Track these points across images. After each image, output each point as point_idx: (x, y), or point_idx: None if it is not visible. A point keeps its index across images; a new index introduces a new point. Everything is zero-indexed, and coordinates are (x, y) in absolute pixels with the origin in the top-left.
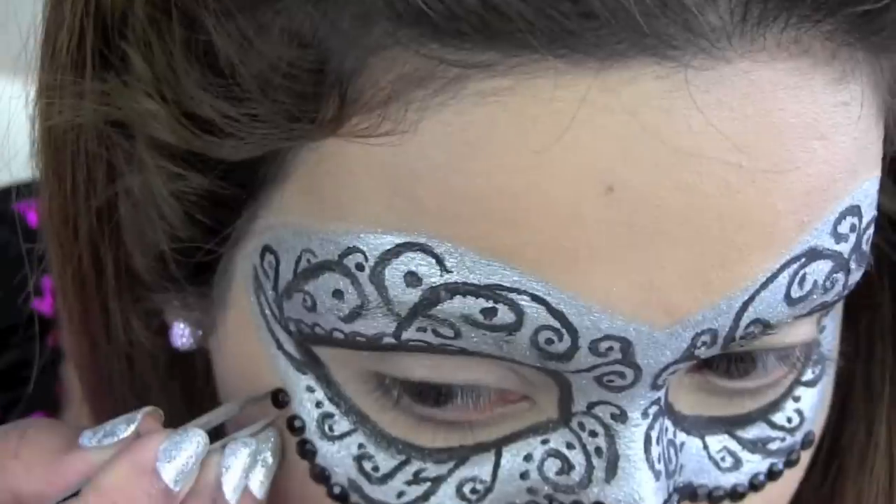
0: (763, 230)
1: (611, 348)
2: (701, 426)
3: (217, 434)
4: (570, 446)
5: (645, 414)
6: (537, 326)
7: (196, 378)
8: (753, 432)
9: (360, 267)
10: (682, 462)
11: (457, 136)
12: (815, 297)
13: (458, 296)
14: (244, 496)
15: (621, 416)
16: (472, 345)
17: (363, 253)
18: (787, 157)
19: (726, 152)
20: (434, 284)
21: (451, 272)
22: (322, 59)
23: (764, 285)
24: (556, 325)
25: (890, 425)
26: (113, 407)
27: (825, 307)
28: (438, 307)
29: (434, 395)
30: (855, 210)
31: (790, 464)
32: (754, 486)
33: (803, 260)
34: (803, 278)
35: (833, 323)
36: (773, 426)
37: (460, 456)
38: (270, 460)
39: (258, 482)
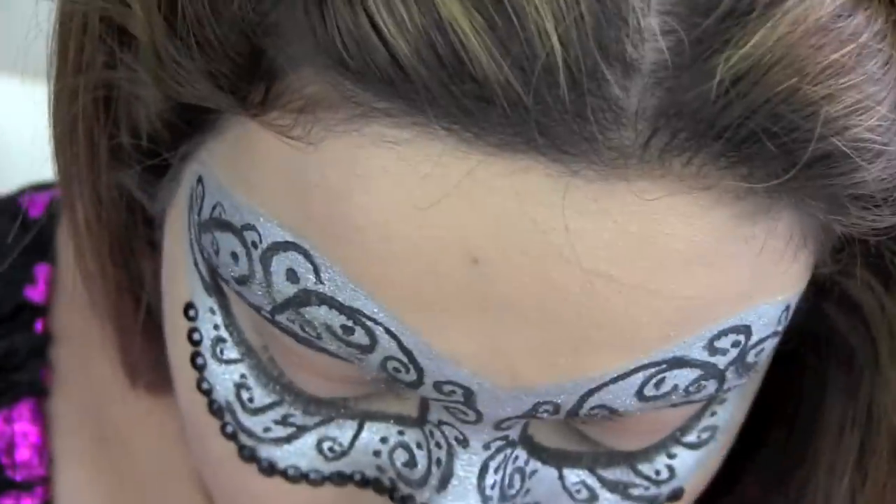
0: (621, 335)
1: (454, 391)
2: (561, 458)
3: None
4: (419, 446)
5: (487, 446)
6: (388, 355)
7: None
8: (616, 474)
9: (254, 244)
10: (530, 486)
11: (351, 167)
12: (673, 398)
13: (324, 306)
14: None
15: (464, 442)
16: (331, 350)
17: (259, 234)
18: (664, 278)
19: (598, 261)
20: (308, 288)
21: (323, 283)
22: (257, 52)
23: (614, 380)
24: (405, 359)
25: None
26: (107, 292)
27: (690, 403)
28: (307, 308)
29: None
30: (742, 329)
31: None
32: None
33: (664, 366)
34: (661, 381)
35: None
36: (638, 474)
37: (327, 415)
38: None
39: None
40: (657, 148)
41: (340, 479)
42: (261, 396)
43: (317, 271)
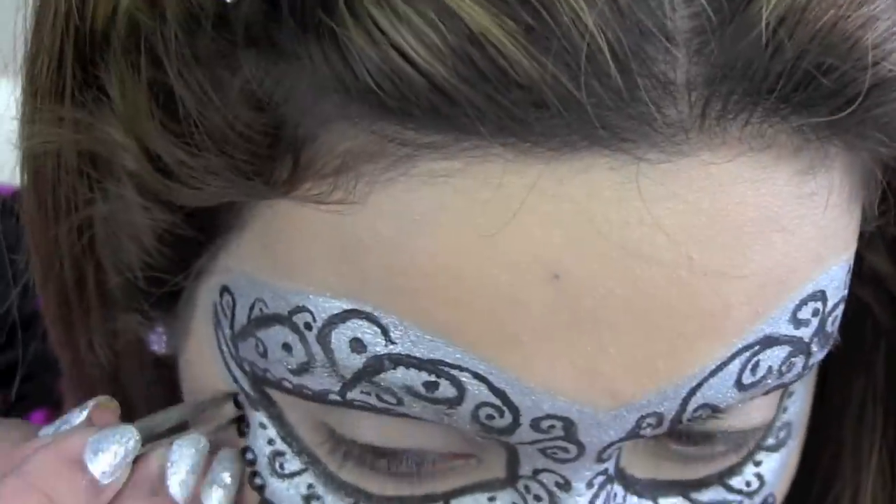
0: (713, 321)
1: (553, 426)
2: (654, 489)
3: None
4: None
5: (590, 484)
6: (479, 402)
7: (177, 387)
8: (709, 495)
9: (308, 326)
10: None
11: (404, 213)
12: (769, 381)
13: (401, 367)
14: None
15: (565, 486)
16: (414, 412)
17: (311, 313)
18: (743, 251)
19: (679, 247)
20: (378, 353)
21: (395, 343)
22: (277, 124)
23: (713, 373)
24: (498, 402)
25: (875, 493)
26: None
27: (782, 386)
28: (381, 375)
29: (381, 453)
30: (819, 295)
31: None
32: None
33: (757, 347)
34: (756, 364)
35: (803, 389)
36: (731, 490)
37: None
38: (228, 481)
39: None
40: (714, 114)
41: None
42: (334, 502)
43: (385, 332)
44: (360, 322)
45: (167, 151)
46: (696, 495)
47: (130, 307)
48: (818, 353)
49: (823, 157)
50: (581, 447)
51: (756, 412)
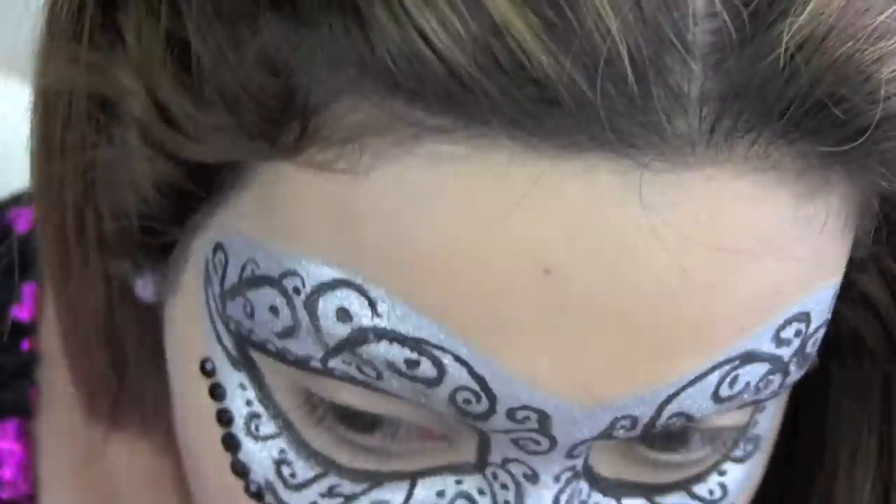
0: (698, 332)
1: (528, 417)
2: (619, 489)
3: None
4: (481, 492)
5: (557, 479)
6: (457, 386)
7: None
8: (672, 500)
9: (296, 291)
10: None
11: (406, 191)
12: (745, 396)
13: (384, 341)
14: None
15: (533, 478)
16: (394, 389)
17: (301, 278)
18: (735, 268)
19: (672, 256)
20: (363, 325)
21: (381, 317)
22: (289, 90)
23: (692, 383)
24: (476, 388)
25: None
26: (90, 368)
27: (757, 402)
28: (364, 347)
29: (356, 422)
30: (803, 317)
31: None
32: None
33: (737, 362)
34: (735, 379)
35: (775, 405)
36: (694, 496)
37: (376, 479)
38: None
39: None
40: (723, 131)
41: None
42: (303, 470)
43: (373, 305)
44: (349, 292)
45: (176, 103)
46: (659, 499)
47: (123, 253)
48: (795, 373)
49: (824, 182)
50: (553, 441)
51: (727, 421)
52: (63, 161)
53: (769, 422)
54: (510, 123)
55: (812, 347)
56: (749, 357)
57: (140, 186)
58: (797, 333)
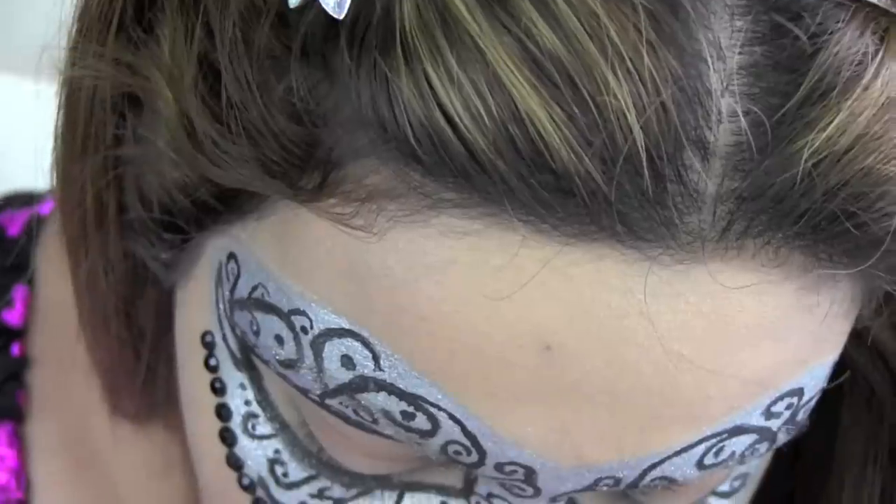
0: (689, 410)
1: (515, 471)
2: None
3: None
4: None
5: None
6: (449, 439)
7: None
8: None
9: (304, 330)
10: None
11: (418, 257)
12: (729, 463)
13: (383, 392)
14: None
15: None
16: (386, 433)
17: (310, 320)
18: (733, 355)
19: (672, 341)
20: (365, 375)
21: (383, 371)
22: (313, 140)
23: (678, 453)
24: (467, 443)
25: None
26: (109, 347)
27: (741, 464)
28: (364, 395)
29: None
30: (796, 392)
31: None
32: None
33: (725, 435)
34: (721, 449)
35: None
36: None
37: (366, 486)
38: None
39: None
40: (736, 231)
41: None
42: (296, 471)
43: (376, 359)
44: (355, 343)
45: (202, 126)
46: None
47: (143, 238)
48: (783, 439)
49: (831, 275)
50: (538, 490)
51: (713, 479)
52: (85, 149)
53: (757, 461)
54: (524, 207)
55: (803, 415)
56: (737, 430)
57: (166, 183)
58: (789, 406)
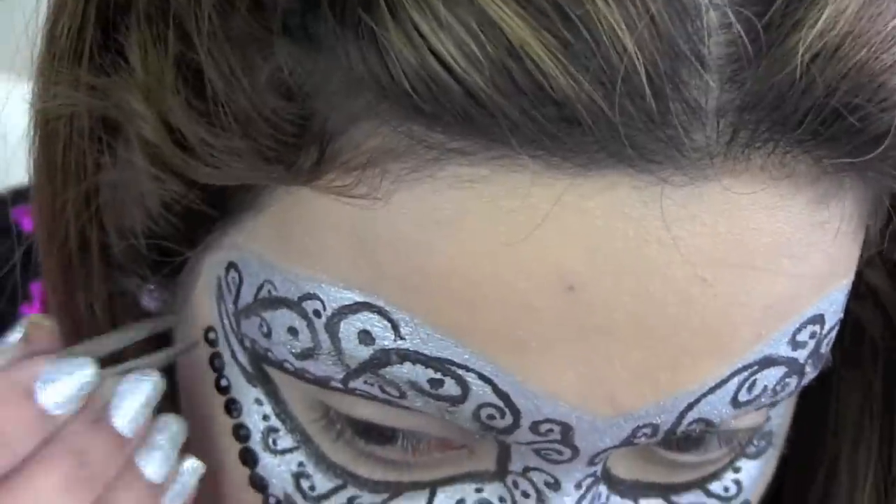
0: (718, 340)
1: (551, 430)
2: (637, 489)
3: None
4: (501, 500)
5: (578, 486)
6: (481, 402)
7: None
8: (688, 498)
9: (317, 313)
10: None
11: (427, 214)
12: (762, 399)
13: (407, 362)
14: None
15: (554, 485)
16: (416, 406)
17: (322, 301)
18: (754, 276)
19: (693, 268)
20: (386, 347)
21: (404, 339)
22: (305, 115)
23: (712, 390)
24: (500, 403)
25: None
26: None
27: (774, 404)
28: (387, 369)
29: (375, 435)
30: (818, 318)
31: None
32: None
33: (756, 367)
34: (753, 384)
35: (788, 404)
36: (709, 494)
37: (396, 490)
38: (166, 444)
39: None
40: (741, 142)
41: None
42: (322, 482)
43: (395, 328)
44: (371, 315)
45: (189, 128)
46: (676, 498)
47: (132, 271)
48: (810, 374)
49: (838, 187)
50: (575, 451)
51: (744, 423)
52: (65, 182)
53: (781, 417)
54: (530, 143)
55: (826, 347)
56: (767, 362)
57: (148, 206)
58: (812, 335)
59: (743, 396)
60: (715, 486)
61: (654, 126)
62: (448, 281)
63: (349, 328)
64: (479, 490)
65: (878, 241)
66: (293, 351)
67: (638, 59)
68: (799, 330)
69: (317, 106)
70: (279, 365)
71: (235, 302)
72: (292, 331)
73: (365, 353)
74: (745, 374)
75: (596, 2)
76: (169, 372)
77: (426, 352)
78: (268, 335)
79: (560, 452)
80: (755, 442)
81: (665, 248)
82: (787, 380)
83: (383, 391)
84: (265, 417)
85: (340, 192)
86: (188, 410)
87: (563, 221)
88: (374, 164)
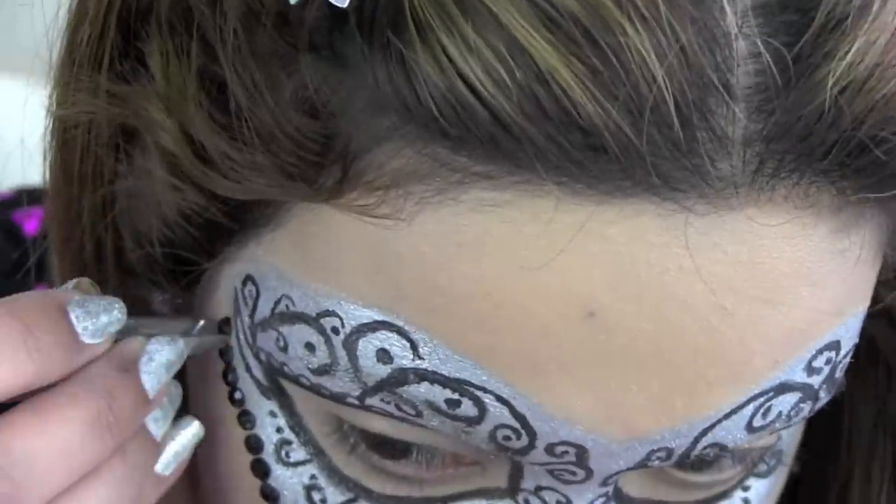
0: (735, 368)
1: (566, 452)
2: None
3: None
4: None
5: None
6: (498, 424)
7: None
8: None
9: (335, 331)
10: None
11: (450, 237)
12: (777, 425)
13: (425, 382)
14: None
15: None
16: (432, 426)
17: (340, 319)
18: (773, 304)
19: (712, 294)
20: (404, 366)
21: (423, 359)
22: (329, 133)
23: (727, 416)
24: (517, 425)
25: None
26: None
27: (788, 427)
28: (405, 388)
29: (389, 449)
30: (834, 345)
31: None
32: None
33: (771, 394)
34: (768, 410)
35: (800, 423)
36: None
37: None
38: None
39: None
40: (766, 172)
41: None
42: (334, 496)
43: (414, 347)
44: (390, 334)
45: (211, 141)
46: None
47: (147, 279)
48: (824, 399)
49: (859, 216)
50: (589, 472)
51: (757, 444)
52: (82, 188)
53: (792, 436)
54: (555, 169)
55: (840, 372)
56: (783, 388)
57: (165, 215)
58: (828, 361)
59: (758, 422)
60: None
61: (680, 155)
62: (468, 303)
63: (367, 346)
64: None
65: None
66: (310, 367)
67: (667, 88)
68: (815, 356)
69: (341, 125)
70: (295, 380)
71: (252, 315)
72: (309, 347)
73: (383, 371)
74: (761, 400)
75: (626, 30)
76: (179, 379)
77: (444, 372)
78: (284, 349)
79: (574, 473)
80: (766, 460)
81: (686, 276)
82: (801, 405)
83: (399, 409)
84: (279, 430)
85: (363, 212)
86: (195, 400)
87: (585, 248)
88: (398, 186)
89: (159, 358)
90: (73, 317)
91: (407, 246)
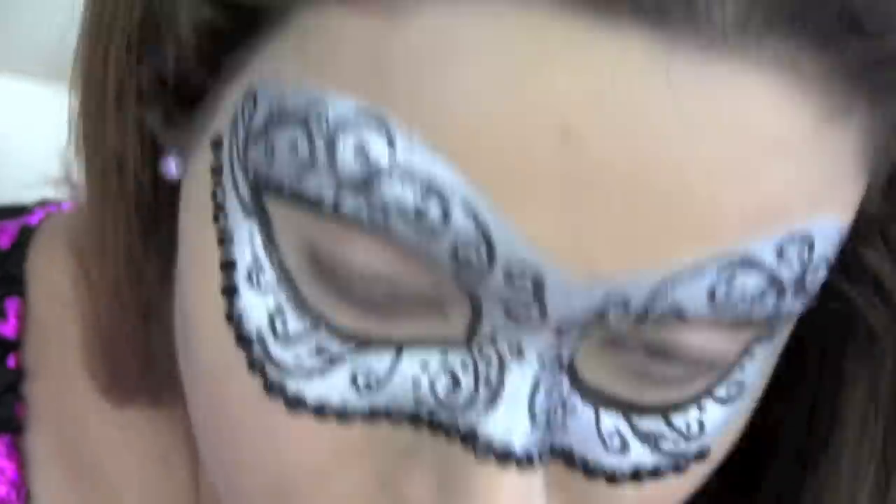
0: (703, 223)
1: (524, 287)
2: (598, 398)
3: None
4: (464, 367)
5: (541, 359)
6: (460, 231)
7: None
8: (648, 424)
9: (318, 124)
10: (568, 425)
11: (443, 39)
12: (739, 305)
13: (396, 180)
14: None
15: (519, 353)
16: (400, 232)
17: (326, 111)
18: (750, 166)
19: (691, 144)
20: (380, 165)
21: (398, 157)
22: None
23: (690, 277)
24: (479, 239)
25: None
26: (114, 308)
27: (750, 324)
28: (377, 185)
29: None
30: (806, 239)
31: (676, 468)
32: (634, 476)
33: (737, 263)
34: (731, 282)
35: (763, 355)
36: (671, 426)
37: (364, 341)
38: None
39: None
40: (755, 23)
41: (373, 415)
42: (295, 324)
43: (392, 144)
44: (369, 132)
45: None
46: (636, 419)
47: (157, 104)
48: (790, 303)
49: (846, 107)
50: (544, 310)
51: (718, 343)
52: (111, 30)
53: (755, 369)
54: None
55: (811, 283)
56: (748, 262)
57: (180, 33)
58: (798, 255)
59: (720, 293)
60: (677, 420)
61: None
62: (451, 106)
63: (348, 141)
64: (443, 356)
65: (878, 203)
66: (291, 169)
67: None
68: (786, 241)
69: None
70: (278, 187)
71: (248, 129)
72: (293, 146)
73: (359, 167)
74: (725, 263)
75: None
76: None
77: (417, 172)
78: (271, 155)
79: (529, 310)
80: (725, 387)
81: (665, 116)
82: (766, 294)
83: (370, 217)
84: (253, 252)
85: (365, 7)
86: (182, 234)
87: (570, 64)
88: None
89: None
90: None
91: (400, 44)
